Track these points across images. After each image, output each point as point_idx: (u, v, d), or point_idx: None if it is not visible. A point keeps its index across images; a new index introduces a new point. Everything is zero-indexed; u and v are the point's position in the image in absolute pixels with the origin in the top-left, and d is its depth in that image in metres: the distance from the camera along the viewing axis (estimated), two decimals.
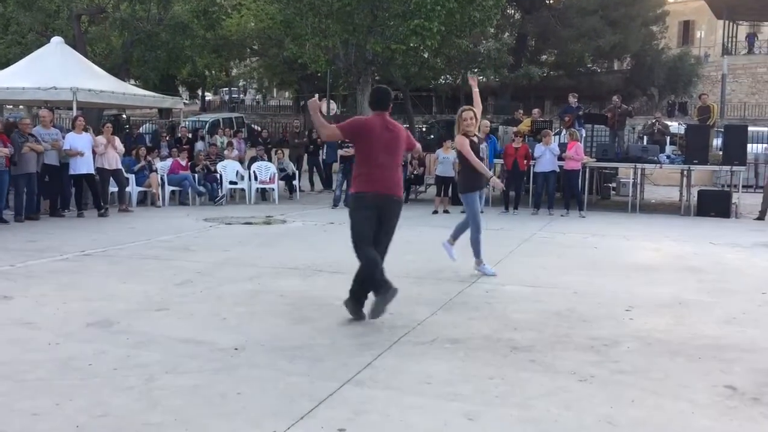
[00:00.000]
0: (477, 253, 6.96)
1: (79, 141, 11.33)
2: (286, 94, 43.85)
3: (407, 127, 19.61)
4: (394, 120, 5.34)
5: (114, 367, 4.07)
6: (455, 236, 7.14)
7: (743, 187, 14.27)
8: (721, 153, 13.99)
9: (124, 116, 29.60)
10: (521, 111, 16.84)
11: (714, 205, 13.09)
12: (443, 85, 29.74)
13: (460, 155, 6.99)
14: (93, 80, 14.76)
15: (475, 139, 6.87)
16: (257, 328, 4.93)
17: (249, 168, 14.85)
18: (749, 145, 14.88)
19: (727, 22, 36.46)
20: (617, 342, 4.72)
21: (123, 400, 3.56)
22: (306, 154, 17.87)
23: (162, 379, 3.87)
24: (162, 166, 14.00)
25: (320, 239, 9.49)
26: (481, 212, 7.06)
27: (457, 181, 8.42)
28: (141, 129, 23.41)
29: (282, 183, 15.47)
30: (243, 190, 14.78)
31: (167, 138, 16.81)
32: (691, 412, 3.54)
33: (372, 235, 5.03)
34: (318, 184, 17.76)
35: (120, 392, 3.67)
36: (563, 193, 13.45)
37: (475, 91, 6.99)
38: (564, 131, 14.33)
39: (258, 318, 5.21)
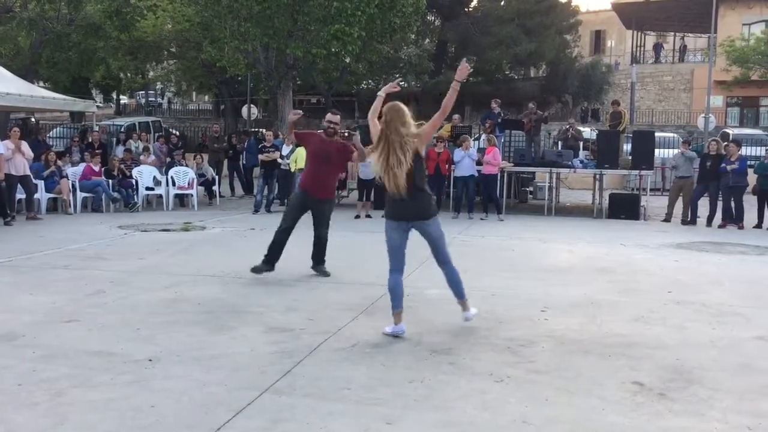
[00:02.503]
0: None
1: None
2: (206, 97, 43.00)
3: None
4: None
5: (18, 382, 3.88)
6: None
7: (651, 190, 14.91)
8: (630, 158, 14.58)
9: (33, 120, 28.35)
10: None
11: (624, 207, 13.62)
12: (365, 91, 29.85)
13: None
14: None
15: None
16: (173, 338, 4.80)
17: (166, 173, 14.48)
18: (656, 150, 15.56)
19: (635, 32, 38.21)
20: (533, 342, 4.84)
21: (28, 417, 3.41)
22: (226, 159, 17.56)
23: (71, 394, 3.72)
24: (73, 171, 13.48)
25: (240, 245, 9.34)
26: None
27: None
28: (51, 133, 22.51)
29: (201, 188, 15.15)
30: (160, 196, 14.40)
31: (78, 141, 16.21)
32: (602, 409, 3.66)
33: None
34: (238, 190, 17.49)
35: (25, 409, 3.51)
36: (482, 197, 13.70)
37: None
38: (483, 136, 14.61)
39: (174, 328, 5.07)
